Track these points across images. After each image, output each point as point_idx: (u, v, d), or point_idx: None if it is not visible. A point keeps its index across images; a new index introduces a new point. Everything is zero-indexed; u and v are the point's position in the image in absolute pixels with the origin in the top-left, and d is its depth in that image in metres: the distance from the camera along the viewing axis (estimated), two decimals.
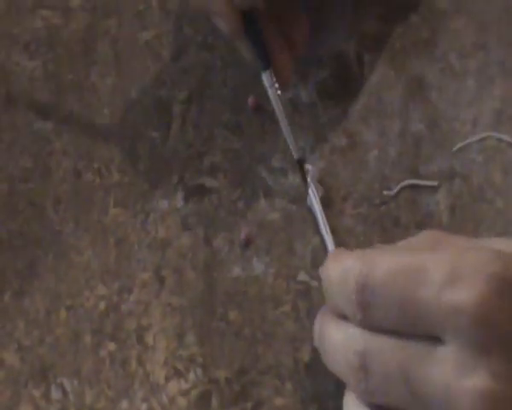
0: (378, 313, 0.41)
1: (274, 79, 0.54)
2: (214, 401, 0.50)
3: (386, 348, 0.41)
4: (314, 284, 0.52)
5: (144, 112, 0.58)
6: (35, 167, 0.57)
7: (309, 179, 0.54)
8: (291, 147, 0.54)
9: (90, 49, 0.60)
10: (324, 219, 0.53)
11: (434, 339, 0.40)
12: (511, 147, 0.55)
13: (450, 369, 0.39)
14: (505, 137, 0.55)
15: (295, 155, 0.54)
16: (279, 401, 0.50)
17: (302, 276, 0.53)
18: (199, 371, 0.51)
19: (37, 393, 0.51)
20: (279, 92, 0.54)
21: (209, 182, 0.56)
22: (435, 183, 0.54)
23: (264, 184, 0.56)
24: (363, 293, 0.41)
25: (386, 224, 0.54)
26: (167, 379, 0.51)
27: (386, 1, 0.60)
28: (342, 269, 0.43)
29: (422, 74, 0.58)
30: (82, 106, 0.59)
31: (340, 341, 0.43)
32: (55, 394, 0.51)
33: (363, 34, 0.59)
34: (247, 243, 0.54)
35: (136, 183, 0.56)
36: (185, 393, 0.50)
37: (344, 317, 0.44)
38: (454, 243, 0.44)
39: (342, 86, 0.58)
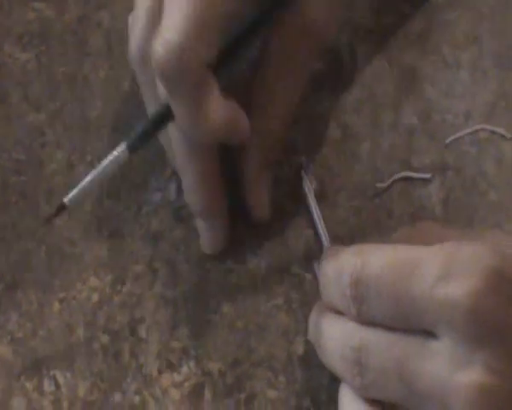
0: (372, 308, 0.41)
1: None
2: (207, 394, 0.50)
3: (381, 343, 0.41)
4: (307, 276, 0.52)
5: (137, 104, 0.58)
6: (28, 160, 0.57)
7: (303, 171, 0.54)
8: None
9: (82, 42, 0.60)
10: (318, 211, 0.53)
11: (429, 334, 0.40)
12: (504, 139, 0.55)
13: (445, 363, 0.39)
14: (498, 130, 0.55)
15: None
16: (272, 394, 0.50)
17: (295, 268, 0.53)
18: (192, 363, 0.51)
19: (29, 385, 0.51)
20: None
21: None
22: (428, 175, 0.54)
23: None
24: (358, 287, 0.41)
25: (379, 216, 0.54)
26: (160, 372, 0.51)
27: None
28: (337, 264, 0.43)
29: (415, 66, 0.58)
30: (75, 98, 0.58)
31: (335, 336, 0.44)
32: (48, 386, 0.51)
33: (356, 26, 0.59)
34: None
35: (129, 175, 0.56)
36: (178, 385, 0.50)
37: (340, 313, 0.44)
38: (448, 235, 0.44)
39: (335, 78, 0.58)
